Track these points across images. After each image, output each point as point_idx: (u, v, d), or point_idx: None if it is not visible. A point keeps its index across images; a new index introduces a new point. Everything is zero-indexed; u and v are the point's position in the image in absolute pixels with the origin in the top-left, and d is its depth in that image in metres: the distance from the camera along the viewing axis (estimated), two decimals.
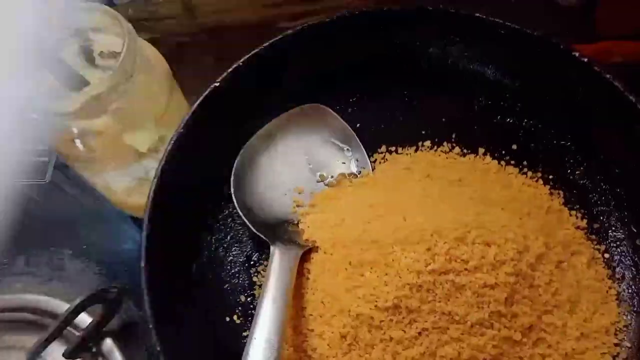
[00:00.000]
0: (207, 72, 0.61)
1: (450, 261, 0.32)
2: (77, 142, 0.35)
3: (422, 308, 0.32)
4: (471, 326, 0.31)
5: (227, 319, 0.36)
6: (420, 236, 0.32)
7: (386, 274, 0.32)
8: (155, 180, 0.34)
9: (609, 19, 0.51)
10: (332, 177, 0.41)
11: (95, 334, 0.43)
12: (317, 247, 0.37)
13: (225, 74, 0.38)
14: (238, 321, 0.36)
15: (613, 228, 0.38)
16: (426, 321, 0.32)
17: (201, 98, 0.37)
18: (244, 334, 0.36)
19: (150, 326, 0.31)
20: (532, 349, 0.32)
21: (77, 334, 0.43)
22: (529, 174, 0.40)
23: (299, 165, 0.41)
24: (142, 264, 0.32)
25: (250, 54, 0.39)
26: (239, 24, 0.63)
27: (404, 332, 0.32)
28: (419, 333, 0.32)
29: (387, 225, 0.34)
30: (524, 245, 0.33)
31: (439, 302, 0.32)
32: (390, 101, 0.43)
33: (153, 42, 0.39)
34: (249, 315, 0.37)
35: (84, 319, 0.43)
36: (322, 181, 0.41)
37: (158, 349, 0.30)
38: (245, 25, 0.63)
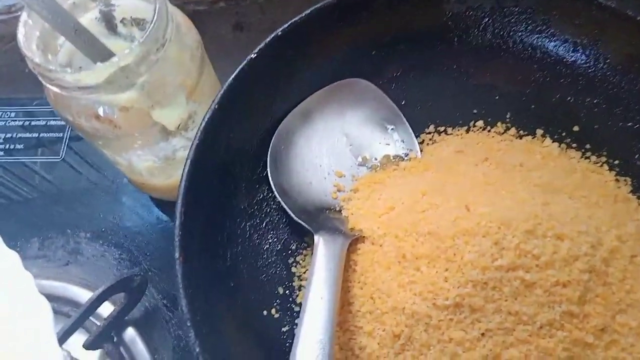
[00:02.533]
0: (225, 42, 0.58)
1: (520, 256, 0.29)
2: (101, 117, 0.32)
3: (487, 307, 0.29)
4: (540, 327, 0.29)
5: (265, 312, 0.33)
6: (486, 228, 0.29)
7: (446, 270, 0.30)
8: (189, 161, 0.31)
9: None
10: (375, 159, 0.38)
11: (117, 322, 0.40)
12: (364, 237, 0.33)
13: (262, 44, 0.34)
14: (277, 315, 0.34)
15: None
16: (490, 321, 0.29)
17: (237, 71, 0.33)
18: (284, 328, 0.33)
19: (188, 324, 0.28)
20: (605, 352, 0.29)
21: (98, 323, 0.40)
22: (593, 158, 0.37)
23: (338, 147, 0.38)
24: (177, 255, 0.29)
25: (288, 24, 0.35)
26: None
27: (465, 332, 0.29)
28: (482, 334, 0.29)
29: (445, 216, 0.31)
30: (597, 239, 0.30)
31: (506, 300, 0.29)
32: (439, 76, 0.39)
33: None
34: (288, 309, 0.34)
35: (105, 307, 0.41)
36: (364, 164, 0.38)
37: (197, 349, 0.28)
38: None
